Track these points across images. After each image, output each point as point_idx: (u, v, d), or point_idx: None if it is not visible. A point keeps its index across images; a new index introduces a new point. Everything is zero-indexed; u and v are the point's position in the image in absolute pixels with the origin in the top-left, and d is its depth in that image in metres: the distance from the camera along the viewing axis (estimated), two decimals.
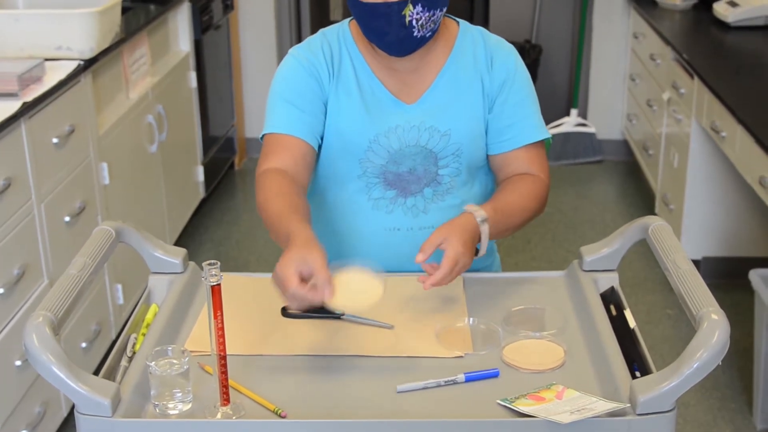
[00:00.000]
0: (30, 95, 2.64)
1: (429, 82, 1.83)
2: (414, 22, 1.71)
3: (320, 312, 1.54)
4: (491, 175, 1.95)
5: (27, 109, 2.58)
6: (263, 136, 1.83)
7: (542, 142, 1.88)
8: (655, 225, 1.68)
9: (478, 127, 1.84)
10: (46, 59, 2.92)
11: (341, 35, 1.85)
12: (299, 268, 1.46)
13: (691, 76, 3.58)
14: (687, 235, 3.72)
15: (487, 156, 1.89)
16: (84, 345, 2.91)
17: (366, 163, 1.83)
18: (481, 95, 1.83)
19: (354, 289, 1.49)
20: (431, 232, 1.82)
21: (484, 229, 1.71)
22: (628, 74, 5.02)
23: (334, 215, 1.90)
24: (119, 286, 3.22)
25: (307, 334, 1.61)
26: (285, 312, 1.58)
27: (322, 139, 1.83)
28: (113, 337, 3.18)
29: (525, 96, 1.86)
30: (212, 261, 1.35)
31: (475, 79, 1.83)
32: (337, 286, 1.46)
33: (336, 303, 1.47)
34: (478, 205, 1.76)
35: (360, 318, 1.64)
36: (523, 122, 1.85)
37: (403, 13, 1.69)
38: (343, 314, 1.62)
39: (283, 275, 1.46)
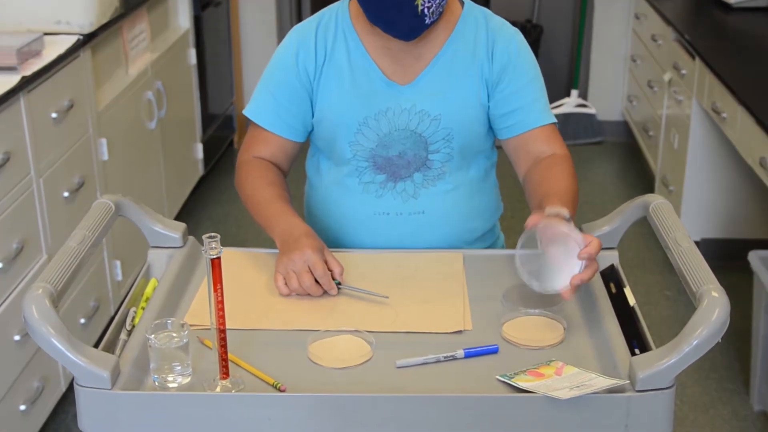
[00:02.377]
0: (29, 69, 2.63)
1: (425, 63, 1.80)
2: (426, 10, 1.68)
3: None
4: (491, 159, 1.94)
5: (26, 83, 2.57)
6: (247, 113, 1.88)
7: (553, 123, 1.86)
8: (656, 203, 1.68)
9: (472, 113, 1.81)
10: (45, 33, 2.90)
11: (339, 15, 1.82)
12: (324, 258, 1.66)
13: (693, 57, 3.57)
14: (686, 216, 3.72)
15: (501, 141, 1.87)
16: (83, 321, 2.91)
17: (356, 146, 1.81)
18: (478, 80, 1.80)
19: (343, 348, 1.49)
20: (420, 218, 1.83)
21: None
22: (629, 55, 5.00)
23: (329, 196, 1.90)
24: (118, 263, 3.22)
25: (307, 308, 1.61)
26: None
27: (315, 125, 1.84)
28: (112, 313, 3.18)
29: (528, 81, 1.82)
30: (212, 234, 1.35)
31: (472, 63, 1.80)
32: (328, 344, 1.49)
33: (324, 360, 1.46)
34: (558, 199, 1.66)
35: (356, 288, 1.64)
36: (528, 107, 1.82)
37: (415, 3, 1.67)
38: (339, 283, 1.64)
39: (314, 261, 1.63)
